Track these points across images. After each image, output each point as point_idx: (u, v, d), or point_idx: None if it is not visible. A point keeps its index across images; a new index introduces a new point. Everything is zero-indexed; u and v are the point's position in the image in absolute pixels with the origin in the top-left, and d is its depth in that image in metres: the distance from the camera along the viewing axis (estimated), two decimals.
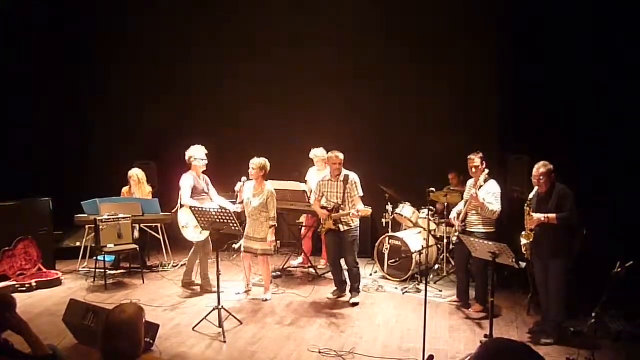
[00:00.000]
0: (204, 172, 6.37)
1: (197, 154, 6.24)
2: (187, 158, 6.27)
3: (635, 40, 5.92)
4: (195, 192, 6.19)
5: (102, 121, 9.16)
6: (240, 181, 6.24)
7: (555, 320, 4.86)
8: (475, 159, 5.57)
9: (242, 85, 8.65)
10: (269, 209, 5.94)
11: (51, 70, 8.37)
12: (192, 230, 6.09)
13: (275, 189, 7.05)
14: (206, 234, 6.13)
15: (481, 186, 5.49)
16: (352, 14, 8.09)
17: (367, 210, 5.77)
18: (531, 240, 4.84)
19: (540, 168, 4.76)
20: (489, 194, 5.46)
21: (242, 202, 6.20)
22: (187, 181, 6.18)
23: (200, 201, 6.13)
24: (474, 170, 5.60)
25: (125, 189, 7.47)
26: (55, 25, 8.40)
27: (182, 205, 6.18)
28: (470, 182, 5.75)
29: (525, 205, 4.89)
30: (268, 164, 5.98)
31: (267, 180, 6.04)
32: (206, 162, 6.31)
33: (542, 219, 4.72)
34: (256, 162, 5.94)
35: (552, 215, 4.69)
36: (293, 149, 7.80)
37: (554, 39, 6.58)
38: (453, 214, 5.90)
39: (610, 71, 6.13)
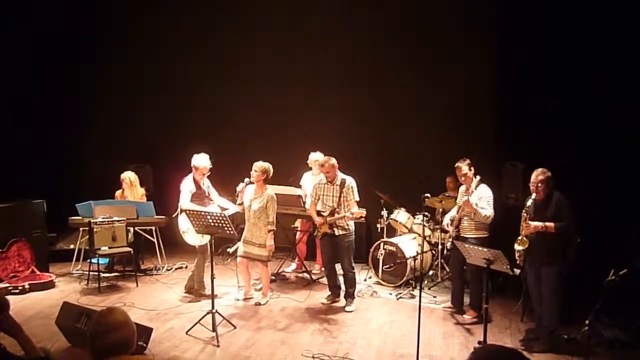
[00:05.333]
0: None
1: (200, 161, 6.17)
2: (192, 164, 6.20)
3: (635, 40, 5.94)
4: (196, 196, 6.15)
5: (97, 123, 9.12)
6: (243, 182, 6.13)
7: (548, 327, 4.87)
8: (463, 167, 5.59)
9: (239, 89, 8.62)
10: (269, 213, 5.91)
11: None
12: (193, 235, 6.03)
13: None
14: (207, 237, 6.09)
15: (473, 192, 5.51)
16: (352, 19, 8.05)
17: (361, 212, 5.77)
18: (526, 247, 4.85)
19: (538, 175, 4.78)
20: (481, 198, 5.48)
21: (242, 204, 6.16)
22: (186, 185, 6.15)
23: (202, 204, 6.11)
24: (463, 178, 5.63)
25: (118, 192, 7.45)
26: (55, 25, 8.38)
27: (182, 211, 6.05)
28: (462, 188, 5.78)
29: (523, 211, 4.88)
30: (271, 169, 5.96)
31: (267, 185, 6.01)
32: (209, 166, 6.22)
33: (541, 227, 4.72)
34: (259, 165, 5.92)
35: (551, 224, 4.69)
36: (288, 153, 7.78)
37: (554, 45, 6.59)
38: (446, 220, 5.91)
39: (610, 75, 6.13)
